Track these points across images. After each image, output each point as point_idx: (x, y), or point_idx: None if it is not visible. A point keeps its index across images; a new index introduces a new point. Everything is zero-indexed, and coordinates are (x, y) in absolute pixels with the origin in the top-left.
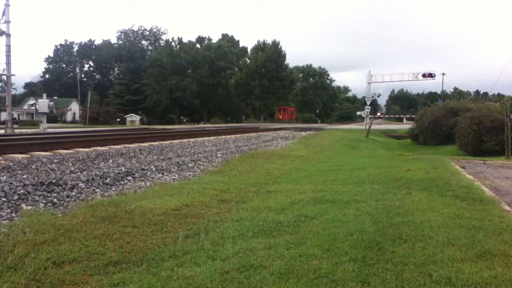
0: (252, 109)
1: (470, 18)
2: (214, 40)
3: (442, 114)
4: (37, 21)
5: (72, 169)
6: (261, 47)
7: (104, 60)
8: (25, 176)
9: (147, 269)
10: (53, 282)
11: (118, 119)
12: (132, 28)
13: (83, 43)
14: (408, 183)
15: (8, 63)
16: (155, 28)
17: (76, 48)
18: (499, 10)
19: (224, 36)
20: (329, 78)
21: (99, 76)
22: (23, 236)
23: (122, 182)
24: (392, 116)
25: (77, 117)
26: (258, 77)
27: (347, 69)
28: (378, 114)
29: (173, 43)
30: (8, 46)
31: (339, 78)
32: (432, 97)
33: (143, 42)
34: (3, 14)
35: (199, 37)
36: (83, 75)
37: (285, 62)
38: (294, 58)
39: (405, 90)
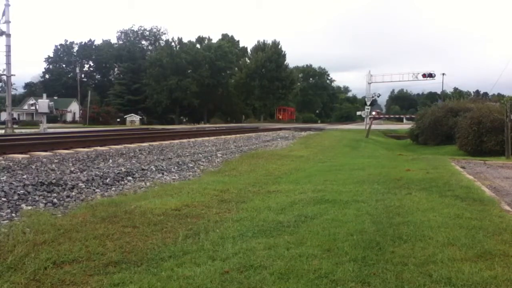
0: (252, 109)
1: (470, 18)
2: (214, 40)
3: (442, 114)
4: (37, 21)
5: (72, 169)
6: (261, 47)
7: (104, 60)
8: (25, 176)
9: (147, 269)
10: (53, 282)
11: (118, 119)
12: (132, 28)
13: (83, 43)
14: (408, 183)
15: (8, 63)
16: (155, 28)
17: (76, 48)
18: (499, 10)
19: (224, 36)
20: (329, 78)
21: (99, 76)
22: (23, 236)
23: (122, 182)
24: (392, 116)
25: (77, 117)
26: (258, 77)
27: (347, 69)
28: (373, 113)
29: (173, 43)
30: (8, 46)
31: (339, 78)
32: (432, 97)
33: (143, 42)
34: (3, 14)
35: (199, 37)
36: (83, 75)
37: (285, 62)
38: (294, 58)
39: (405, 90)
